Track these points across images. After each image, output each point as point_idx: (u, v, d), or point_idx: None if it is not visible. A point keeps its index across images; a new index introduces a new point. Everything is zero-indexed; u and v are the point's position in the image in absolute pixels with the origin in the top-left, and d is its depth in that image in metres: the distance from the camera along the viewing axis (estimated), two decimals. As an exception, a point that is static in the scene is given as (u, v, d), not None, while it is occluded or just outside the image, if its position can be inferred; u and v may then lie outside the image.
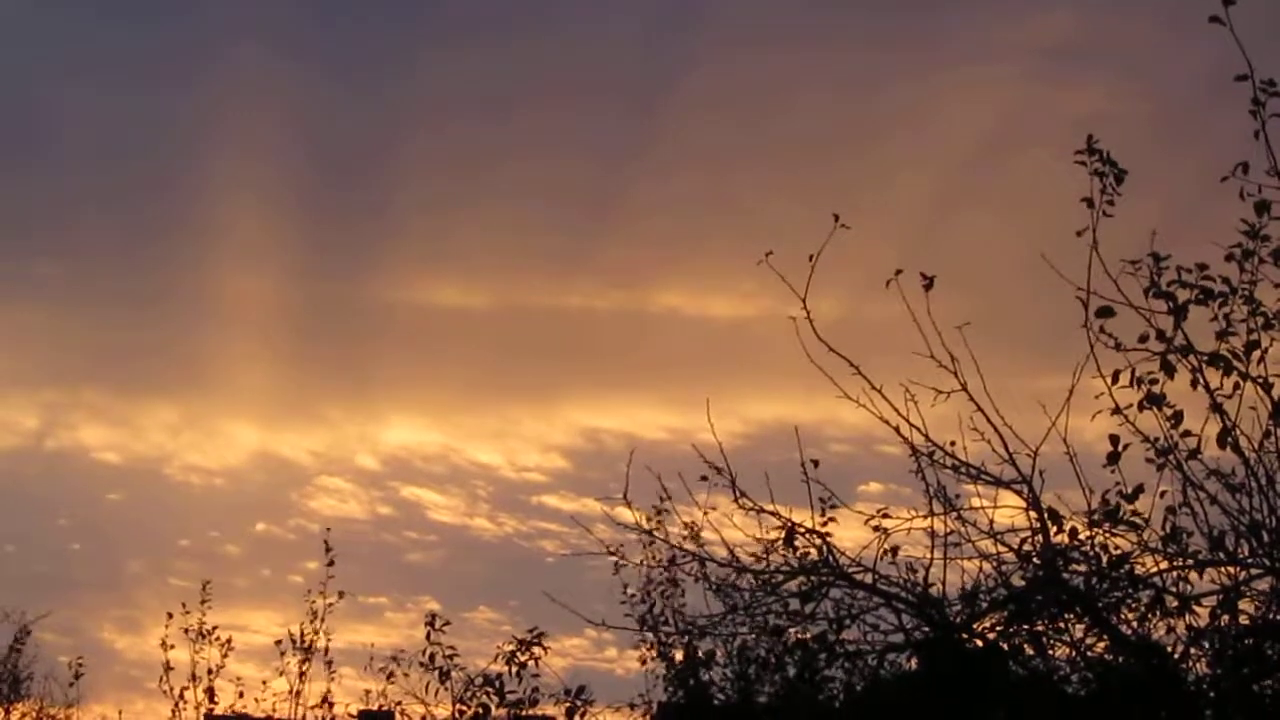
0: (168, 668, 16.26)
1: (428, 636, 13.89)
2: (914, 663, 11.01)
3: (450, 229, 29.79)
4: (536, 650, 13.17)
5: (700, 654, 12.61)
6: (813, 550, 11.07)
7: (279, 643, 16.09)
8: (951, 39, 26.85)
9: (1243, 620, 9.91)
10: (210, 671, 16.23)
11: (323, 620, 16.06)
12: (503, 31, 29.19)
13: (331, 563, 16.06)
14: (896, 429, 10.73)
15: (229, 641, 16.27)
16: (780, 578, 11.22)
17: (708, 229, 27.78)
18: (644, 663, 12.93)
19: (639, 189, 28.55)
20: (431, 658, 13.85)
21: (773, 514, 11.18)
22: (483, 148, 29.56)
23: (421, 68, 29.49)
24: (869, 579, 10.93)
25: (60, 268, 30.48)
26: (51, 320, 30.46)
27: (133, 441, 30.62)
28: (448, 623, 13.94)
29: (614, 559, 12.72)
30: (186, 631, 16.19)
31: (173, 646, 16.24)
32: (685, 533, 12.13)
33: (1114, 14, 25.59)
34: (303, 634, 16.08)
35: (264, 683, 16.17)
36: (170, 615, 16.27)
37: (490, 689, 13.39)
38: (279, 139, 28.73)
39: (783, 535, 11.07)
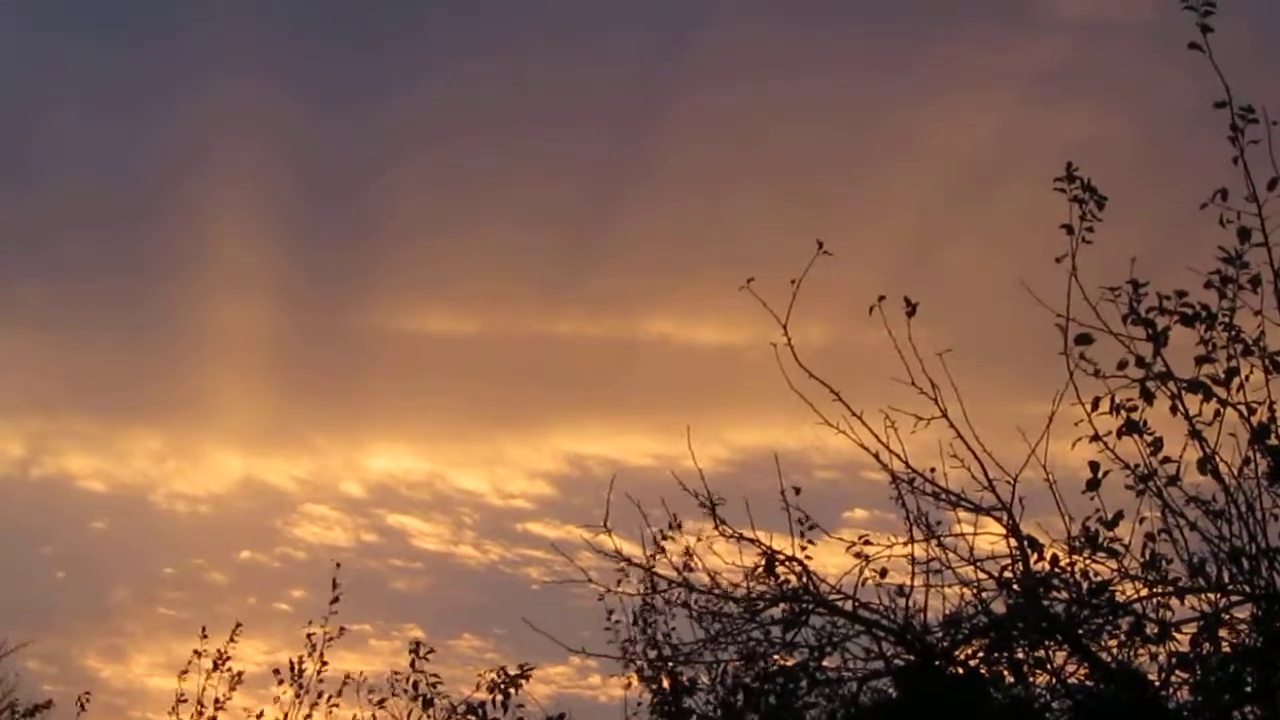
0: (180, 700, 16.26)
1: (412, 665, 13.87)
2: (895, 690, 11.00)
3: (438, 256, 29.72)
4: (521, 681, 13.18)
5: (683, 681, 12.57)
6: (793, 577, 11.09)
7: (277, 671, 16.04)
8: (940, 66, 26.81)
9: (1223, 647, 9.89)
10: (217, 702, 16.21)
11: (321, 655, 15.99)
12: (491, 58, 29.15)
13: (336, 599, 15.99)
14: (876, 455, 10.74)
15: (240, 675, 16.27)
16: (762, 605, 11.22)
17: (698, 256, 27.68)
18: (627, 688, 12.88)
19: (629, 216, 28.49)
20: (415, 685, 13.82)
21: (754, 541, 11.21)
22: (471, 174, 29.49)
23: (407, 94, 29.42)
24: (850, 606, 10.94)
25: (46, 293, 30.36)
26: (36, 347, 30.35)
27: (118, 469, 30.49)
28: (431, 650, 13.92)
29: (596, 587, 12.66)
30: (199, 654, 16.15)
31: (168, 675, 16.22)
32: (669, 559, 12.14)
33: (1103, 40, 25.58)
34: (301, 665, 16.01)
35: (259, 715, 16.13)
36: (198, 653, 16.21)
37: (474, 717, 13.36)
38: (266, 165, 28.65)
39: (763, 562, 11.09)
